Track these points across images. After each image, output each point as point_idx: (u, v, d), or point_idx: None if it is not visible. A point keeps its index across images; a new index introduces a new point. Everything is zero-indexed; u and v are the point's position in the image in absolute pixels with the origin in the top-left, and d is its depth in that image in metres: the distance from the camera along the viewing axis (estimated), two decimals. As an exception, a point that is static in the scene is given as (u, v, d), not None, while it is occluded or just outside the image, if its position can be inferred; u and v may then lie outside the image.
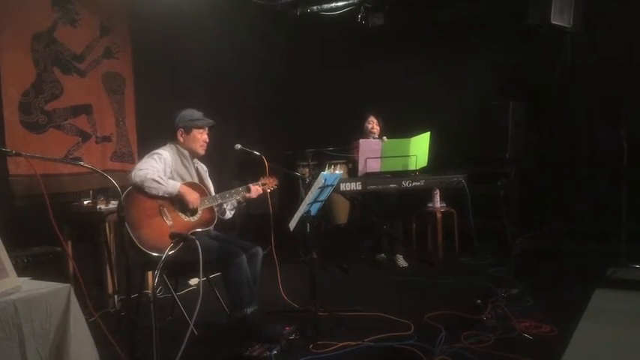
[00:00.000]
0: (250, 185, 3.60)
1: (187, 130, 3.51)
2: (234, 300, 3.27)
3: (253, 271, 3.41)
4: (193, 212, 3.38)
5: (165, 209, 3.26)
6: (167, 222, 3.23)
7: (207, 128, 3.59)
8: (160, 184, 3.19)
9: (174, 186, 3.26)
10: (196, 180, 3.54)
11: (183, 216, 3.34)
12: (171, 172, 3.39)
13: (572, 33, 5.35)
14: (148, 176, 3.16)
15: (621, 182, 4.62)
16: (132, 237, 3.03)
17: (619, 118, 4.68)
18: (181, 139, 3.52)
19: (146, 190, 3.17)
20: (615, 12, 5.40)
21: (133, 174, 3.17)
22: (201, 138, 3.54)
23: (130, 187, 3.16)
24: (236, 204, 3.66)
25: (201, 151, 3.58)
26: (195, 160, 3.65)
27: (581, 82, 5.74)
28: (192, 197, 3.34)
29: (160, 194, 3.22)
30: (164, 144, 3.54)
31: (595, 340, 3.17)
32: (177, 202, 3.32)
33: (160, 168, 3.29)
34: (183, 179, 3.44)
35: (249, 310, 3.25)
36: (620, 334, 3.23)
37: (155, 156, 3.34)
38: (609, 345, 3.10)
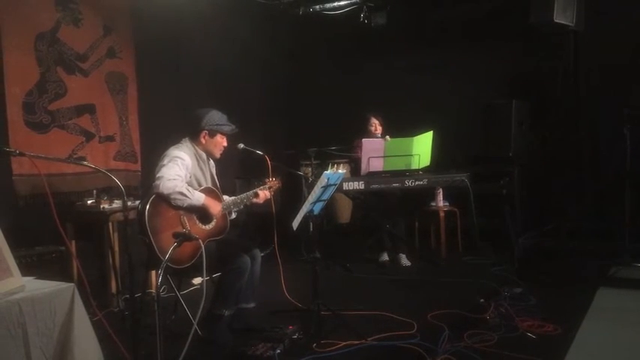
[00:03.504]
0: (259, 191, 3.57)
1: (212, 134, 3.46)
2: (218, 298, 3.28)
3: (253, 274, 3.40)
4: (209, 221, 3.38)
5: (185, 218, 3.24)
6: (186, 230, 3.21)
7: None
8: (187, 197, 3.17)
9: (198, 199, 3.24)
10: (210, 182, 3.53)
11: (200, 224, 3.33)
12: (190, 177, 3.36)
13: (575, 31, 5.34)
14: (177, 189, 3.13)
15: (624, 181, 4.61)
16: (154, 247, 3.03)
17: (622, 116, 4.67)
18: (203, 141, 3.47)
19: (172, 201, 3.15)
20: (618, 9, 5.39)
21: (160, 184, 3.11)
22: (222, 143, 3.51)
23: (154, 196, 3.12)
24: (242, 206, 3.64)
25: (219, 155, 3.56)
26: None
27: (585, 81, 5.72)
28: (216, 210, 3.33)
29: (185, 206, 3.20)
30: (178, 140, 3.48)
31: (599, 338, 3.16)
32: (198, 211, 3.31)
33: (184, 175, 3.26)
34: (199, 184, 3.42)
35: (226, 312, 3.26)
36: (624, 333, 3.23)
37: (179, 161, 3.27)
38: (613, 344, 3.10)
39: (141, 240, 3.08)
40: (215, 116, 3.48)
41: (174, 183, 3.14)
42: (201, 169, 3.48)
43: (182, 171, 3.26)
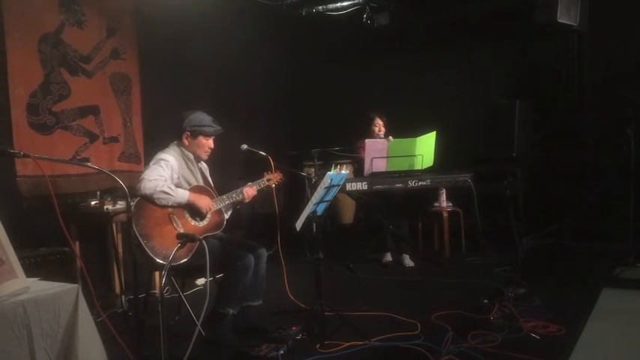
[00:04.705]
0: (244, 188, 3.55)
1: (194, 135, 3.47)
2: (221, 297, 3.29)
3: (258, 272, 3.41)
4: (202, 217, 3.38)
5: (175, 216, 3.26)
6: (177, 229, 3.22)
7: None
8: (169, 195, 3.19)
9: (182, 195, 3.26)
10: (201, 182, 3.54)
11: (192, 221, 3.34)
12: (178, 178, 3.38)
13: (579, 31, 5.32)
14: (158, 188, 3.15)
15: (629, 181, 4.60)
16: (145, 249, 3.04)
17: (626, 116, 4.66)
18: (186, 142, 3.49)
19: (155, 201, 3.17)
20: (622, 9, 5.37)
21: (142, 186, 3.15)
22: (206, 144, 3.51)
23: (138, 198, 3.15)
24: (230, 205, 3.62)
25: (205, 157, 3.56)
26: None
27: (588, 81, 5.71)
28: (204, 202, 3.34)
29: (170, 204, 3.22)
30: (168, 145, 3.53)
31: (603, 339, 3.15)
32: (187, 208, 3.32)
33: (167, 175, 3.27)
34: (189, 183, 3.43)
35: (231, 311, 3.27)
36: (628, 334, 3.22)
37: (162, 163, 3.30)
38: (617, 344, 3.09)
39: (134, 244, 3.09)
40: (197, 117, 3.48)
41: (155, 183, 3.17)
42: (190, 169, 3.49)
43: (165, 172, 3.28)
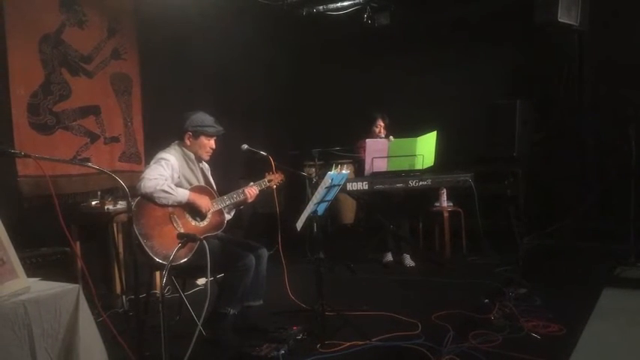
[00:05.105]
0: (245, 189, 3.56)
1: (195, 136, 3.48)
2: (222, 297, 3.30)
3: (259, 272, 3.42)
4: (203, 217, 3.39)
5: (175, 216, 3.26)
6: (178, 229, 3.22)
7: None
8: (170, 194, 3.20)
9: (183, 195, 3.27)
10: (202, 182, 3.54)
11: (193, 221, 3.34)
12: (178, 177, 3.38)
13: (580, 31, 5.32)
14: (158, 187, 3.16)
15: (629, 180, 4.60)
16: (145, 248, 3.05)
17: (626, 116, 4.65)
18: (188, 143, 3.50)
19: (156, 200, 3.18)
20: (622, 9, 5.37)
21: (142, 184, 3.16)
22: (208, 144, 3.52)
23: (138, 198, 3.15)
24: (232, 205, 3.63)
25: (206, 157, 3.57)
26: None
27: (589, 81, 5.71)
28: (203, 202, 3.35)
29: (170, 203, 3.23)
30: (169, 144, 3.54)
31: (604, 339, 3.16)
32: (187, 207, 3.33)
33: (168, 175, 3.28)
34: (190, 183, 3.43)
35: (231, 311, 3.27)
36: (629, 333, 3.22)
37: (163, 162, 3.31)
38: (618, 344, 3.09)
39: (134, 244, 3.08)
40: (199, 118, 3.50)
41: (155, 182, 3.17)
42: (191, 169, 3.49)
43: (166, 171, 3.28)
